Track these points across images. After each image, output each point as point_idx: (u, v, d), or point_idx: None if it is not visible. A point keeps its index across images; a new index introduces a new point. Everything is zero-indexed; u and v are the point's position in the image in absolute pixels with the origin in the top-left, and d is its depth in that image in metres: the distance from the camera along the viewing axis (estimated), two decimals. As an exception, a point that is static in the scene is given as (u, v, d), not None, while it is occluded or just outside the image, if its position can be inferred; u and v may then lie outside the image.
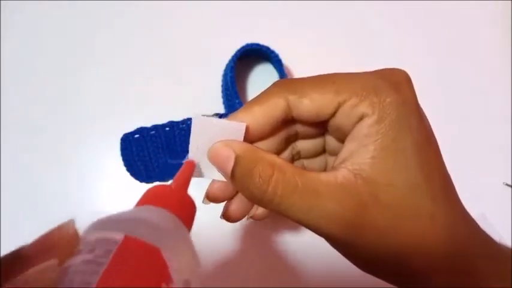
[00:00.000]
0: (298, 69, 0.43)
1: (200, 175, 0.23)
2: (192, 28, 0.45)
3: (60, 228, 0.15)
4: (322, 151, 0.24)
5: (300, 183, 0.19)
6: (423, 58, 0.46)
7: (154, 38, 0.45)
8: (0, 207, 0.39)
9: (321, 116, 0.20)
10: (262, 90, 0.22)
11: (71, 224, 0.15)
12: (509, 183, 0.43)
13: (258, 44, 0.40)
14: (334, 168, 0.20)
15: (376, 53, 0.46)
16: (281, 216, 0.20)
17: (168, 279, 0.14)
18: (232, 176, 0.20)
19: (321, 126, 0.22)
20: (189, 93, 0.43)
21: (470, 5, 0.48)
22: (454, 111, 0.45)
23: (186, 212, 0.20)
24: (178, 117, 0.38)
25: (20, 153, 0.41)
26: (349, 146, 0.20)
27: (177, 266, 0.15)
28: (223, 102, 0.42)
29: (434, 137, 0.20)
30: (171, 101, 0.42)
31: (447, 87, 0.46)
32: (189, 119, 0.37)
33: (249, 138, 0.21)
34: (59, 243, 0.14)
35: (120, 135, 0.38)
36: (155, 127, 0.37)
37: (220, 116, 0.38)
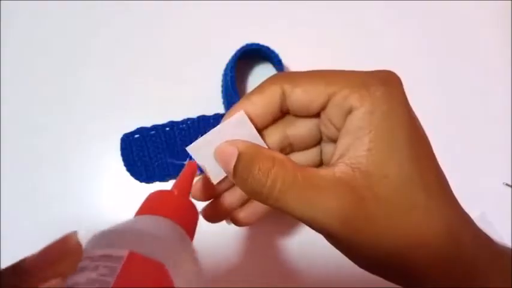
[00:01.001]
0: (298, 69, 0.43)
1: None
2: (192, 28, 0.45)
3: (62, 241, 0.14)
4: (315, 143, 0.24)
5: (299, 177, 0.19)
6: (423, 58, 0.46)
7: (154, 38, 0.45)
8: (0, 207, 0.39)
9: (312, 106, 0.21)
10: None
11: (74, 236, 0.14)
12: (509, 183, 0.43)
13: (258, 44, 0.40)
14: (332, 164, 0.20)
15: (376, 53, 0.46)
16: (281, 213, 0.20)
17: None
18: (234, 173, 0.20)
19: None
20: (189, 93, 0.43)
21: (470, 5, 0.48)
22: (454, 111, 0.45)
23: (189, 221, 0.19)
24: (178, 117, 0.38)
25: (20, 153, 0.41)
26: (344, 140, 0.20)
27: (181, 282, 0.15)
28: (223, 102, 0.42)
29: (425, 133, 0.21)
30: (171, 101, 0.42)
31: (447, 87, 0.46)
32: (189, 119, 0.37)
33: (254, 124, 0.22)
34: (61, 257, 0.14)
35: (120, 135, 0.38)
36: (155, 127, 0.37)
37: (220, 116, 0.38)
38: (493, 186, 0.43)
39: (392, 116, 0.19)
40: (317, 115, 0.22)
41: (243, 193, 0.24)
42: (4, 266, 0.13)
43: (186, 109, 0.38)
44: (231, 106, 0.39)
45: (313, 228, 0.20)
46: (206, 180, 0.23)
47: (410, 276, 0.20)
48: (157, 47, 0.44)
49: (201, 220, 0.22)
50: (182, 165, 0.38)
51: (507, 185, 0.43)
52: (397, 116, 0.19)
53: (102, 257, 0.14)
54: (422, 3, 0.48)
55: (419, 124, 0.20)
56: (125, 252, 0.14)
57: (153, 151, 0.38)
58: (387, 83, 0.20)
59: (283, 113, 0.23)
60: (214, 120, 0.37)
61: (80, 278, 0.13)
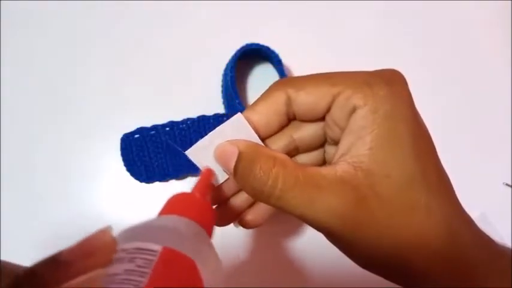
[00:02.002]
0: (298, 69, 0.43)
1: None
2: (192, 28, 0.45)
3: (98, 235, 0.15)
4: (320, 145, 0.24)
5: (300, 176, 0.19)
6: (423, 58, 0.46)
7: (154, 38, 0.45)
8: (0, 207, 0.39)
9: (317, 108, 0.21)
10: (262, 90, 0.22)
11: (108, 230, 0.15)
12: (509, 183, 0.43)
13: (258, 44, 0.40)
14: (334, 162, 0.20)
15: (376, 53, 0.46)
16: (282, 212, 0.20)
17: None
18: (235, 172, 0.20)
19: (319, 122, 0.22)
20: (189, 93, 0.43)
21: (470, 5, 0.48)
22: (453, 111, 0.45)
23: (209, 223, 0.20)
24: (178, 117, 0.38)
25: (20, 153, 0.41)
26: (347, 139, 0.20)
27: (208, 279, 0.15)
28: (223, 102, 0.42)
29: (428, 132, 0.20)
30: (171, 101, 0.42)
31: (447, 87, 0.46)
32: (189, 119, 0.37)
33: (259, 135, 0.22)
34: (97, 250, 0.14)
35: (120, 135, 0.38)
36: (155, 127, 0.37)
37: (220, 116, 0.38)
38: (493, 186, 0.43)
39: (396, 115, 0.19)
40: (322, 119, 0.22)
41: (250, 196, 0.24)
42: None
43: (186, 109, 0.38)
44: (231, 106, 0.40)
45: (314, 227, 0.20)
46: (212, 185, 0.23)
47: (410, 276, 0.20)
48: (158, 47, 0.44)
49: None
50: (182, 165, 0.38)
51: (507, 185, 0.43)
52: (401, 115, 0.19)
53: (138, 249, 0.14)
54: (422, 3, 0.48)
55: (423, 123, 0.20)
56: (159, 247, 0.15)
57: (153, 151, 0.38)
58: (391, 82, 0.20)
59: (289, 120, 0.23)
60: (214, 120, 0.37)
61: (117, 269, 0.14)
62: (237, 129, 0.21)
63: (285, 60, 0.41)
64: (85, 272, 0.13)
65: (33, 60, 0.44)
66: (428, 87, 0.45)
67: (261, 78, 0.44)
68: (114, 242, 0.15)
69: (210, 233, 0.20)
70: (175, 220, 0.18)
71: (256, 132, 0.22)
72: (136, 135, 0.37)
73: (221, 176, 0.23)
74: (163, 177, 0.39)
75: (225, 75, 0.41)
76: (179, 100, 0.42)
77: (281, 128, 0.23)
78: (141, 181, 0.39)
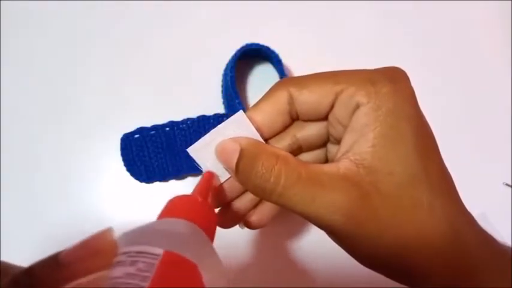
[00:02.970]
0: (298, 69, 0.43)
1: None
2: (192, 28, 0.45)
3: (98, 236, 0.14)
4: (323, 144, 0.24)
5: (303, 173, 0.19)
6: (423, 58, 0.46)
7: (155, 38, 0.45)
8: (0, 207, 0.39)
9: (320, 107, 0.21)
10: (263, 89, 0.22)
11: (109, 232, 0.15)
12: (509, 183, 0.43)
13: (258, 44, 0.40)
14: (336, 160, 0.20)
15: (376, 53, 0.46)
16: (285, 210, 0.20)
17: None
18: (237, 169, 0.20)
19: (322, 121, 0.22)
20: (189, 93, 0.43)
21: (470, 5, 0.48)
22: (453, 111, 0.45)
23: (211, 226, 0.20)
24: (178, 117, 0.38)
25: (20, 153, 0.41)
26: (349, 137, 0.20)
27: (210, 283, 0.15)
28: (223, 102, 0.42)
29: (431, 130, 0.20)
30: (171, 101, 0.42)
31: (447, 87, 0.46)
32: (189, 119, 0.37)
33: (262, 134, 0.22)
34: (98, 252, 0.14)
35: (120, 135, 0.38)
36: (155, 127, 0.37)
37: (221, 116, 0.38)
38: (493, 186, 0.43)
39: (398, 113, 0.19)
40: (325, 118, 0.22)
41: (254, 196, 0.24)
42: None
43: (186, 109, 0.38)
44: (231, 106, 0.40)
45: (316, 225, 0.20)
46: (216, 188, 0.23)
47: (412, 275, 0.20)
48: (158, 47, 0.44)
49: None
50: (182, 165, 0.38)
51: (507, 185, 0.43)
52: (403, 112, 0.19)
53: (139, 253, 0.14)
54: (422, 3, 0.48)
55: (426, 120, 0.20)
56: (161, 250, 0.14)
57: (153, 151, 0.38)
58: (394, 79, 0.20)
59: (292, 120, 0.22)
60: (214, 120, 0.37)
61: (118, 272, 0.14)
62: (239, 127, 0.21)
63: (285, 60, 0.41)
64: (84, 274, 0.13)
65: (33, 60, 0.44)
66: (428, 87, 0.45)
67: (261, 78, 0.44)
68: (115, 244, 0.15)
69: (212, 236, 0.20)
70: (176, 223, 0.18)
71: (259, 131, 0.22)
72: (137, 135, 0.37)
73: (222, 175, 0.23)
74: (164, 177, 0.39)
75: (225, 75, 0.41)
76: (179, 100, 0.42)
77: (284, 127, 0.23)
78: (141, 181, 0.39)
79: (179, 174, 0.39)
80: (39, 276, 0.13)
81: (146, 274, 0.13)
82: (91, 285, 0.13)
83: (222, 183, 0.23)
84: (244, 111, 0.22)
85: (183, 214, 0.18)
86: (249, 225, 0.24)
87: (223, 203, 0.24)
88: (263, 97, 0.22)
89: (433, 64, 0.46)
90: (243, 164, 0.20)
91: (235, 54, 0.39)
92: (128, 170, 0.38)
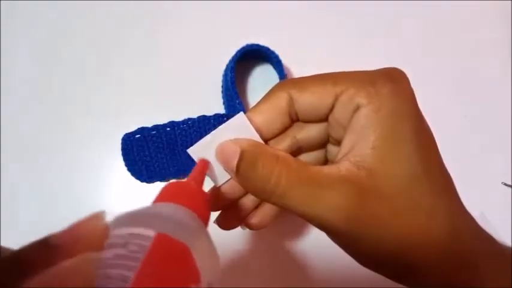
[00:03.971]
0: (298, 69, 0.43)
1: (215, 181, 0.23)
2: (192, 29, 0.45)
3: (90, 219, 0.14)
4: (323, 145, 0.24)
5: (303, 174, 0.19)
6: (423, 58, 0.46)
7: (155, 39, 0.45)
8: (1, 206, 0.39)
9: (320, 108, 0.21)
10: (263, 90, 0.22)
11: (101, 215, 0.15)
12: (509, 183, 0.43)
13: (258, 45, 0.40)
14: (337, 161, 0.20)
15: (376, 53, 0.46)
16: (286, 211, 0.20)
17: (197, 279, 0.15)
18: (237, 171, 0.20)
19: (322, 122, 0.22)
20: (189, 93, 0.43)
21: (470, 5, 0.48)
22: (453, 111, 0.45)
23: (205, 212, 0.20)
24: (178, 117, 0.38)
25: (21, 153, 0.41)
26: (350, 138, 0.20)
27: (203, 266, 0.15)
28: (224, 103, 0.42)
29: (430, 130, 0.20)
30: (171, 101, 0.42)
31: (447, 87, 0.46)
32: (190, 119, 0.37)
33: (262, 136, 0.22)
34: (89, 234, 0.14)
35: (121, 135, 0.38)
36: (156, 127, 0.37)
37: (221, 116, 0.38)
38: (493, 186, 0.43)
39: (399, 114, 0.19)
40: (325, 120, 0.22)
41: (255, 198, 0.24)
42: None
43: (186, 109, 0.38)
44: (231, 106, 0.40)
45: (316, 226, 0.20)
46: (217, 191, 0.23)
47: (412, 275, 0.20)
48: (158, 48, 0.45)
49: (211, 222, 0.22)
50: (183, 165, 0.38)
51: (507, 185, 0.43)
52: (404, 113, 0.19)
53: (131, 235, 0.14)
54: (422, 3, 0.48)
55: (425, 121, 0.20)
56: (153, 232, 0.14)
57: (154, 151, 0.38)
58: (394, 80, 0.20)
59: (292, 121, 0.22)
60: (215, 120, 0.37)
61: (109, 253, 0.14)
62: (239, 128, 0.21)
63: (285, 60, 0.41)
64: (75, 256, 0.13)
65: (34, 60, 0.44)
66: (428, 87, 0.45)
67: (261, 78, 0.44)
68: (106, 227, 0.15)
69: (205, 221, 0.19)
70: (169, 207, 0.18)
71: (259, 132, 0.22)
72: (137, 135, 0.37)
73: (223, 176, 0.23)
74: (164, 177, 0.39)
75: (225, 75, 0.41)
76: (179, 100, 0.42)
77: (284, 129, 0.23)
78: (142, 181, 0.39)
79: (180, 174, 0.39)
80: (30, 259, 0.13)
81: (137, 255, 0.13)
82: (77, 265, 0.13)
83: (222, 185, 0.23)
84: (245, 111, 0.22)
85: (177, 199, 0.18)
86: (250, 227, 0.24)
87: (224, 205, 0.24)
88: (263, 98, 0.22)
89: (432, 64, 0.46)
90: (243, 165, 0.20)
91: (235, 54, 0.40)
92: (129, 169, 0.38)
